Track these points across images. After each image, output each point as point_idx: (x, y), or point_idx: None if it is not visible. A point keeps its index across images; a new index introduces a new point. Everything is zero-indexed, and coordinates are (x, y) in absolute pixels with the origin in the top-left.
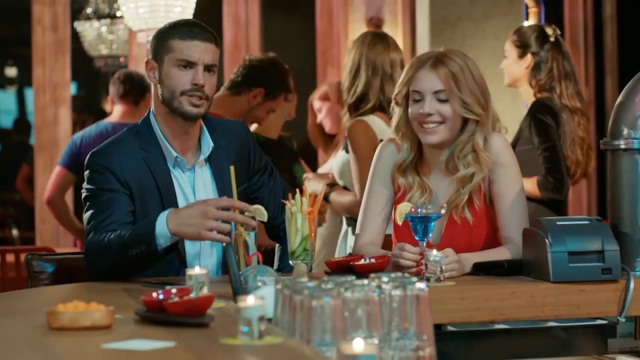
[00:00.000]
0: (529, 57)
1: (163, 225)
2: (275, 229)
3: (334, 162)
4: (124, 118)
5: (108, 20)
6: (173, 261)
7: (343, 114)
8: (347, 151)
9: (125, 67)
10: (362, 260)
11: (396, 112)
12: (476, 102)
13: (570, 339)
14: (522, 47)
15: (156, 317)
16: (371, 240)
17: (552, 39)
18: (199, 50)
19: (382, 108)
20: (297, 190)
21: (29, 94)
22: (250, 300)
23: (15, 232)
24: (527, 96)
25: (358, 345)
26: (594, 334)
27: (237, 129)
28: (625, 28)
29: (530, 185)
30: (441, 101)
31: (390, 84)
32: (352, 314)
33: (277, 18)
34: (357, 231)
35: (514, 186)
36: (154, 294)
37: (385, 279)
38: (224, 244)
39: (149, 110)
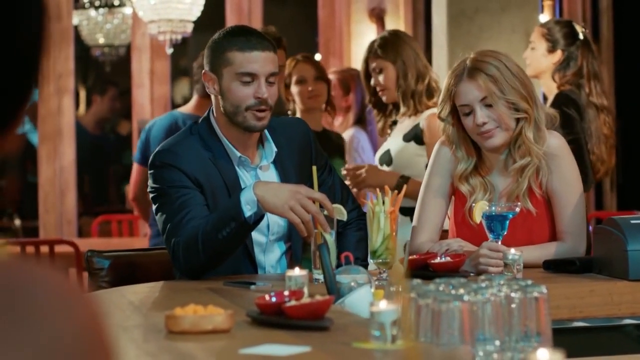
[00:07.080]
0: (559, 53)
1: (249, 191)
2: None
3: (390, 146)
4: (196, 110)
5: (105, 10)
6: (244, 259)
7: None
8: (417, 142)
9: (124, 56)
10: (438, 258)
11: (444, 126)
12: (520, 97)
13: None
14: (552, 42)
15: (275, 320)
16: (430, 237)
17: (581, 37)
18: (259, 61)
19: None
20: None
21: None
22: (382, 305)
23: (17, 222)
24: (547, 88)
25: (543, 355)
26: None
27: (297, 127)
28: (620, 19)
29: None
30: (488, 106)
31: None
32: (475, 316)
33: (280, 8)
34: (414, 225)
35: (570, 182)
36: (267, 297)
37: (500, 281)
38: (318, 244)
39: (209, 111)
